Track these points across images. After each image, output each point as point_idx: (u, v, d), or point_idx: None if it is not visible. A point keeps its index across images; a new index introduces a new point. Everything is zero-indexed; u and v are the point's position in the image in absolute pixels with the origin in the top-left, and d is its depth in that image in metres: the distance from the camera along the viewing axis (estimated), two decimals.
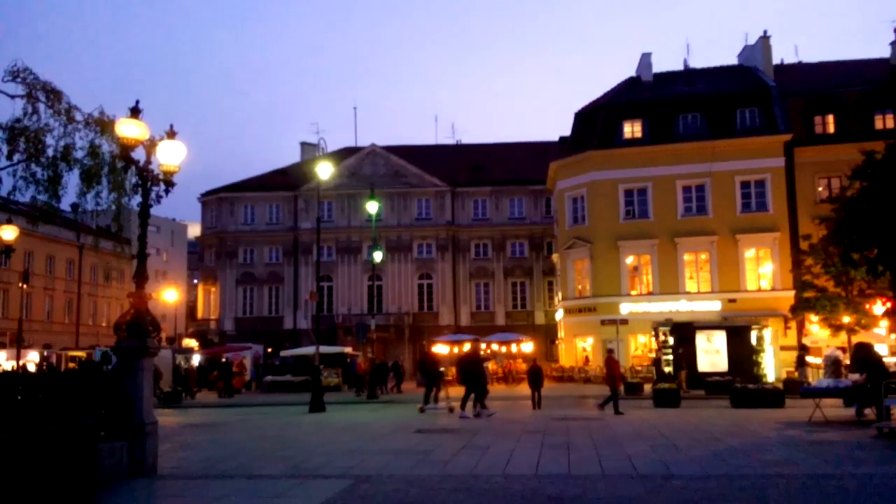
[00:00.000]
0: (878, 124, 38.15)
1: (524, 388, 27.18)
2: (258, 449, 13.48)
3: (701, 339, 29.59)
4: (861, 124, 38.27)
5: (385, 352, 47.07)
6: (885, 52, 42.91)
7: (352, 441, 14.38)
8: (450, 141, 61.81)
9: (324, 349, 34.46)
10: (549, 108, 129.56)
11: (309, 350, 35.76)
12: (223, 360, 37.99)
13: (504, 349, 43.91)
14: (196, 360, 40.64)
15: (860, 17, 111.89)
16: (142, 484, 9.70)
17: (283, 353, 41.72)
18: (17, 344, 35.72)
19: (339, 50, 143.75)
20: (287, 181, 54.09)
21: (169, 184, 11.26)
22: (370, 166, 53.41)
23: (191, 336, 51.24)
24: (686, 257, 39.87)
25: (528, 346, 43.19)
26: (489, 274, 52.75)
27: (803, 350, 30.30)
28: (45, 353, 38.85)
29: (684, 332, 30.20)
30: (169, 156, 11.16)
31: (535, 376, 23.04)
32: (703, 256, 39.67)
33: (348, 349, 40.96)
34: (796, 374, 28.71)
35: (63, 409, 8.86)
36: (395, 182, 52.93)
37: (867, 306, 28.78)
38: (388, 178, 52.58)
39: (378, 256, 34.58)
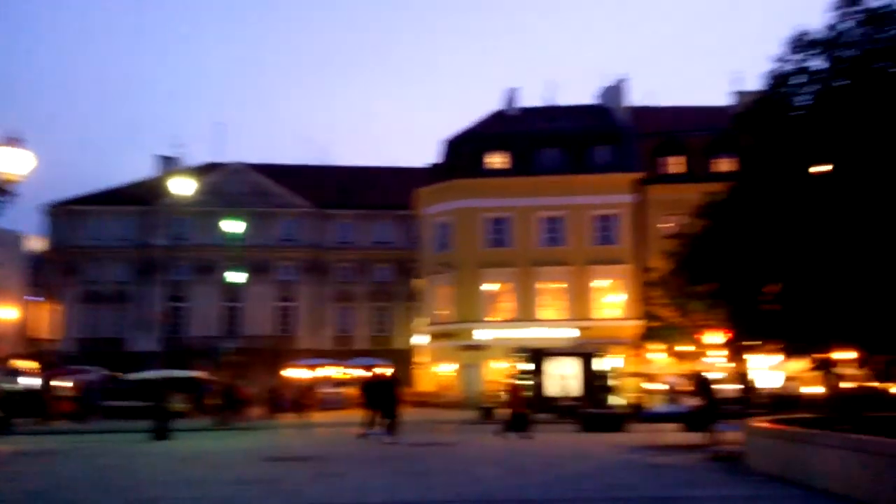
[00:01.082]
0: (720, 167, 41.18)
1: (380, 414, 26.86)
2: (95, 479, 12.49)
3: (554, 365, 30.57)
4: (705, 166, 41.17)
5: (241, 376, 45.31)
6: (729, 100, 46.50)
7: (196, 471, 13.64)
8: (318, 162, 60.94)
9: (173, 373, 32.70)
10: (417, 134, 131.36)
11: (156, 374, 33.84)
12: (59, 383, 35.08)
13: (364, 374, 43.40)
14: (29, 382, 37.35)
15: (708, 66, 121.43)
16: None
17: (128, 376, 39.21)
18: None
19: (204, 65, 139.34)
20: (141, 195, 51.40)
21: (10, 193, 10.38)
22: (234, 184, 51.78)
23: (23, 357, 47.26)
24: (543, 286, 41.21)
25: (387, 372, 42.91)
26: (352, 298, 52.24)
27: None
28: None
29: (538, 359, 31.10)
30: (12, 164, 10.29)
31: (391, 401, 22.78)
32: (559, 286, 41.13)
33: (201, 373, 39.09)
34: (643, 399, 30.20)
35: None
36: (260, 201, 51.56)
37: (703, 336, 30.82)
38: (252, 196, 51.14)
39: (238, 277, 33.40)
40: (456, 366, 40.66)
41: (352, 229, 53.36)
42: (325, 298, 51.97)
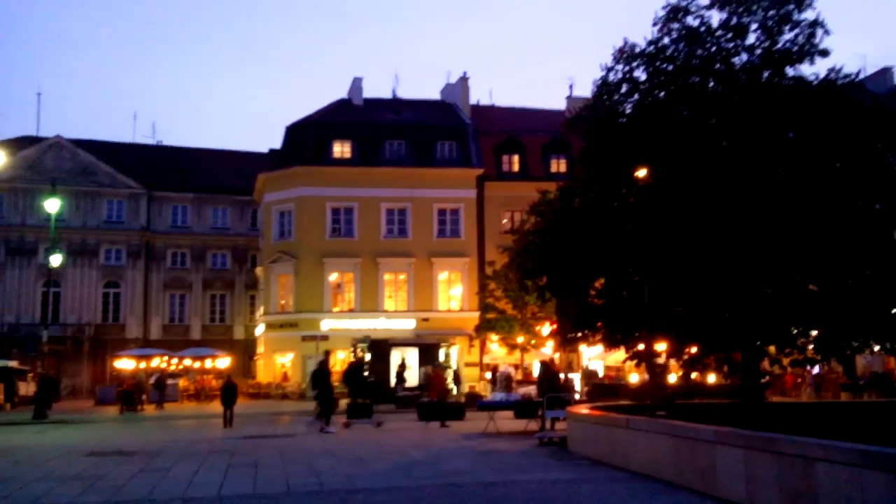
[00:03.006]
0: (554, 167, 43.19)
1: (217, 406, 26.08)
2: None
3: (395, 355, 30.90)
4: (540, 166, 43.06)
5: (60, 366, 42.26)
6: (563, 105, 48.84)
7: (8, 467, 12.63)
8: (150, 141, 57.64)
9: None
10: (260, 119, 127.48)
11: None
12: None
13: (198, 365, 41.78)
14: None
15: (548, 69, 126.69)
16: None
17: None
18: None
19: (21, 33, 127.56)
20: None
21: None
22: (54, 160, 47.90)
23: None
24: (386, 277, 41.50)
25: (224, 362, 41.61)
26: (186, 285, 49.96)
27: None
28: None
29: (380, 349, 31.31)
30: None
31: (228, 393, 22.22)
32: (402, 277, 41.58)
33: (13, 363, 36.03)
34: (481, 388, 31.22)
35: None
36: (84, 180, 48.04)
37: (537, 328, 32.43)
38: (74, 174, 47.51)
39: (56, 260, 30.98)
40: (295, 356, 40.01)
41: (186, 213, 50.89)
42: (155, 285, 49.33)
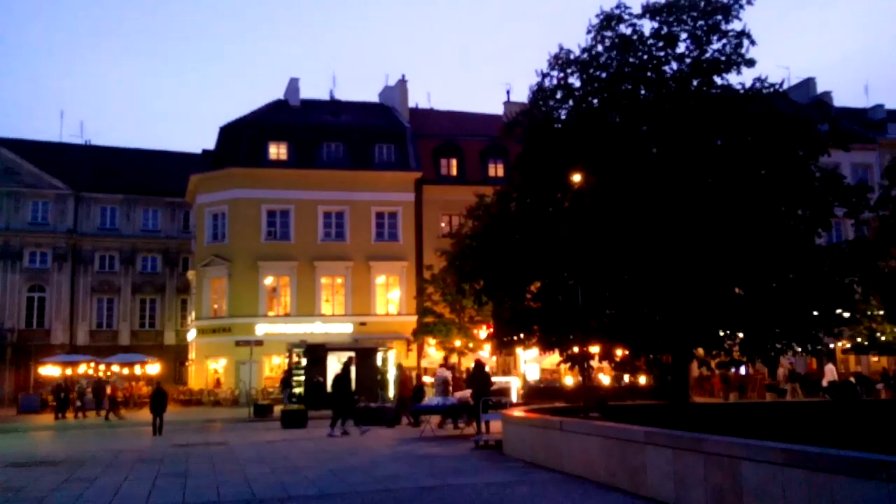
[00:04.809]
0: (492, 172, 43.47)
1: (146, 414, 25.37)
2: None
3: (332, 360, 30.56)
4: (478, 170, 43.28)
5: None
6: (501, 110, 49.29)
7: None
8: (78, 141, 55.76)
9: None
10: (193, 119, 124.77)
11: None
12: None
13: (127, 371, 40.54)
14: None
15: (486, 74, 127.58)
16: None
17: None
18: None
19: None
20: None
21: None
22: None
23: None
24: (323, 280, 41.03)
25: (154, 368, 40.48)
26: (115, 289, 48.42)
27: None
28: None
29: (317, 354, 30.95)
30: None
31: (157, 400, 21.64)
32: (339, 281, 41.19)
33: None
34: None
35: None
36: (6, 180, 46.13)
37: (475, 331, 32.57)
38: None
39: None
40: (230, 362, 39.20)
41: (115, 215, 49.32)
42: (82, 289, 47.66)
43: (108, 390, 31.80)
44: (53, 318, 46.57)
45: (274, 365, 39.11)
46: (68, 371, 37.78)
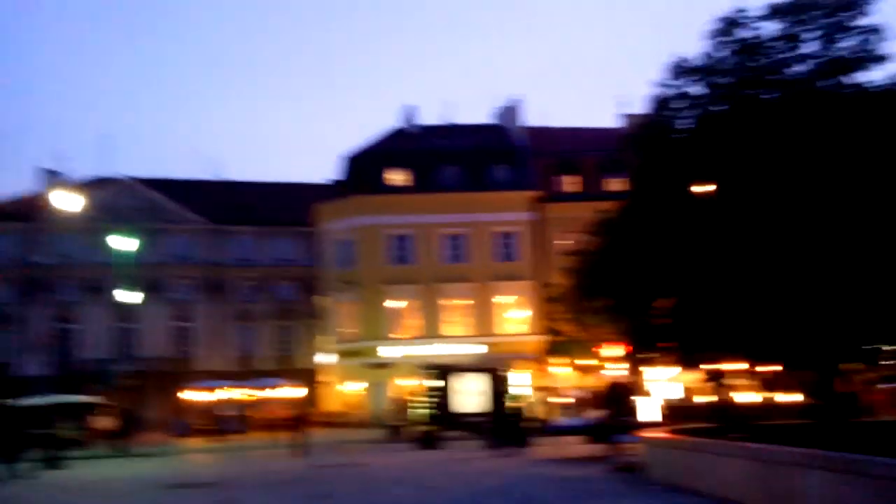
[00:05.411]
0: (613, 186, 42.75)
1: (282, 435, 26.44)
2: None
3: (459, 381, 30.82)
4: (598, 185, 42.65)
5: (134, 400, 43.44)
6: (618, 122, 48.49)
7: (91, 501, 13.05)
8: (213, 177, 59.22)
9: (63, 398, 31.01)
10: (315, 149, 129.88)
11: (45, 399, 32.04)
12: None
13: (266, 395, 42.41)
14: None
15: (600, 88, 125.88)
16: None
17: (14, 402, 36.84)
18: None
19: (89, 76, 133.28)
20: (23, 211, 48.55)
21: None
22: (124, 199, 49.59)
23: None
24: (447, 302, 41.53)
25: (292, 392, 42.12)
26: (253, 317, 50.90)
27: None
28: None
29: (444, 375, 31.29)
30: None
31: (299, 422, 22.55)
32: (463, 302, 41.57)
33: (93, 398, 37.22)
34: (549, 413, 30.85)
35: None
36: (153, 217, 49.58)
37: (601, 350, 31.96)
38: (144, 212, 49.08)
39: (131, 297, 32.07)
40: (362, 384, 40.36)
41: (251, 246, 52.04)
42: (224, 318, 50.41)
43: (250, 414, 33.37)
44: (198, 345, 49.47)
45: (403, 387, 39.83)
46: (212, 396, 39.95)
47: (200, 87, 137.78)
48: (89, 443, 31.06)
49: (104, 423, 32.88)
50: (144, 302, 46.23)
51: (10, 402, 30.54)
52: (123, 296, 34.13)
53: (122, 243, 30.41)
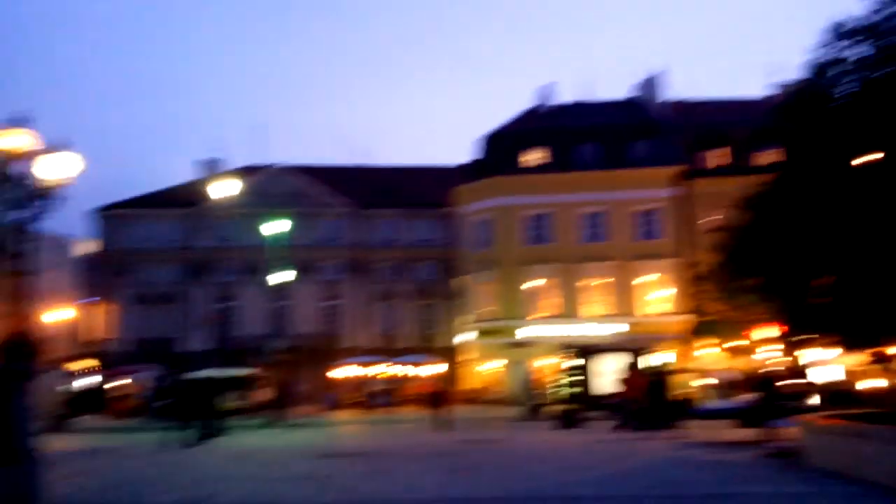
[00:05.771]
0: (764, 159, 40.44)
1: (425, 411, 27.15)
2: (152, 476, 12.89)
3: (600, 361, 30.40)
4: (747, 158, 40.49)
5: (288, 374, 46.02)
6: (769, 91, 45.66)
7: (250, 467, 13.96)
8: (357, 162, 61.33)
9: (225, 372, 33.33)
10: (453, 131, 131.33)
11: (208, 373, 34.57)
12: (115, 382, 36.20)
13: (410, 371, 43.75)
14: (86, 382, 38.66)
15: (746, 57, 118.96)
16: None
17: (180, 375, 40.14)
18: None
19: (241, 65, 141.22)
20: (186, 198, 52.35)
21: (56, 198, 10.68)
22: (276, 185, 52.41)
23: (79, 358, 48.61)
24: (587, 282, 40.97)
25: (434, 369, 43.20)
26: (396, 296, 52.50)
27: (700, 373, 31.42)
28: None
29: (585, 355, 30.93)
30: (58, 168, 10.59)
31: (440, 398, 23.07)
32: (602, 281, 40.86)
33: (251, 371, 39.85)
34: (693, 395, 29.81)
35: None
36: (301, 202, 52.11)
37: (753, 331, 30.36)
38: (293, 197, 51.70)
39: (283, 277, 33.92)
40: (501, 362, 40.68)
41: (393, 228, 53.67)
42: (368, 297, 52.37)
43: (395, 389, 34.59)
44: (345, 324, 51.69)
45: (542, 366, 39.77)
46: (359, 371, 41.67)
47: (345, 76, 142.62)
48: (248, 413, 33.27)
49: (261, 395, 35.06)
50: (296, 282, 48.79)
51: (189, 375, 33.32)
52: (277, 276, 36.10)
53: (275, 227, 32.16)
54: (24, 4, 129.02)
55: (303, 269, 51.20)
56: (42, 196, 10.50)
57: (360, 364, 42.74)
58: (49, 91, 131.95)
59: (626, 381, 22.46)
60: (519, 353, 35.84)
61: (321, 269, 52.08)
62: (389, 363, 42.90)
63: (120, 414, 34.62)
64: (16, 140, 10.14)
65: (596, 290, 40.96)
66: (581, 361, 30.47)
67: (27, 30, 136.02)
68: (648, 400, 21.14)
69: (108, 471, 13.97)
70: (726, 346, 32.31)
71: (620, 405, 21.52)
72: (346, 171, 58.17)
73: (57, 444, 16.96)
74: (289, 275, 36.21)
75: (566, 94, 48.58)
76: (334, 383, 43.87)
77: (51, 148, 10.55)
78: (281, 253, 35.24)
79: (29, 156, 10.35)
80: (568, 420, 22.86)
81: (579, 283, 40.72)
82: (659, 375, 20.50)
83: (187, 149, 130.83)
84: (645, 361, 30.33)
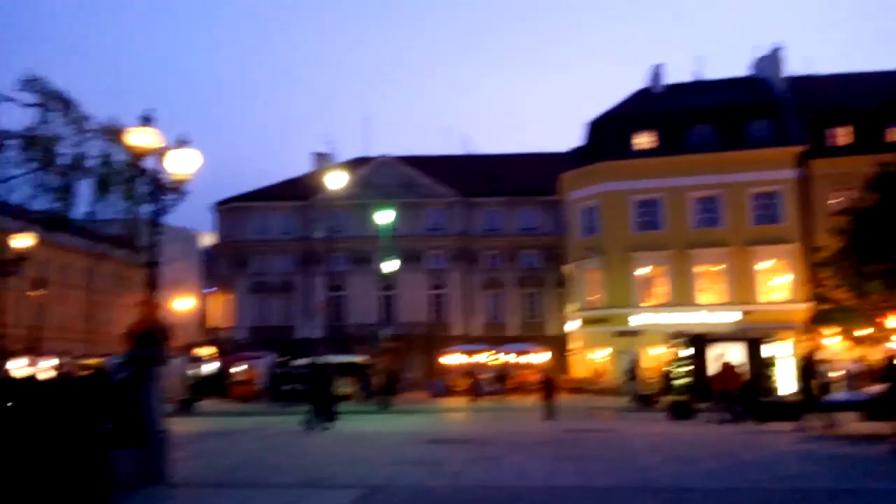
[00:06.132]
0: (892, 136, 37.84)
1: (536, 399, 27.08)
2: (270, 458, 13.48)
3: (714, 351, 29.29)
4: (875, 137, 37.97)
5: (397, 361, 46.99)
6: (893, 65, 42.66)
7: (363, 451, 14.36)
8: (461, 151, 61.75)
9: (337, 358, 34.38)
10: (558, 117, 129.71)
11: (321, 359, 35.74)
12: (235, 368, 38.02)
13: (516, 360, 43.72)
14: (208, 368, 40.82)
15: (871, 29, 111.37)
16: (155, 492, 9.71)
17: (295, 361, 41.72)
18: (29, 352, 35.91)
19: (349, 60, 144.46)
20: (299, 191, 54.27)
21: (180, 192, 11.30)
22: (382, 176, 53.50)
23: (202, 345, 51.34)
24: (700, 269, 39.59)
25: (540, 357, 43.02)
26: (501, 284, 52.64)
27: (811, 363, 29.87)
28: (61, 362, 39.13)
29: (698, 345, 29.89)
30: (181, 164, 11.20)
31: (547, 387, 22.96)
32: (717, 268, 39.41)
33: (362, 358, 40.93)
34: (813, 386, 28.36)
35: (76, 417, 8.88)
36: (407, 192, 52.99)
37: (881, 319, 28.49)
38: (399, 188, 52.64)
39: (392, 266, 34.62)
40: (610, 352, 40.01)
41: (498, 216, 53.74)
42: (474, 285, 52.71)
43: (502, 377, 34.71)
44: (451, 312, 52.22)
45: (653, 355, 38.84)
46: (466, 359, 42.01)
47: (449, 67, 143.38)
48: (359, 399, 34.20)
49: (371, 382, 35.94)
50: (403, 271, 49.67)
51: (303, 361, 34.54)
52: (385, 265, 36.90)
53: (383, 217, 32.82)
54: (151, 9, 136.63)
55: (409, 259, 52.07)
56: (169, 190, 11.15)
57: (465, 352, 43.10)
58: (174, 90, 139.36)
59: (718, 373, 21.69)
60: (628, 341, 35.14)
61: (427, 257, 52.81)
62: (495, 351, 43.02)
63: (239, 398, 36.34)
64: (145, 138, 10.79)
65: (709, 276, 39.57)
66: (693, 351, 29.48)
67: (153, 32, 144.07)
68: (743, 392, 20.36)
69: (230, 452, 14.71)
70: (851, 335, 30.53)
71: (723, 396, 20.76)
72: (451, 160, 58.66)
73: (182, 426, 18.03)
74: (394, 264, 36.90)
75: (677, 75, 47.11)
76: (442, 371, 44.44)
77: (175, 145, 11.17)
78: (389, 242, 35.96)
79: (156, 153, 11.00)
80: (679, 411, 22.26)
81: (691, 270, 39.44)
82: (808, 363, 19.35)
83: (300, 142, 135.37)
84: (766, 350, 29.04)
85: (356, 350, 43.17)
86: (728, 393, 20.49)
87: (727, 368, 21.60)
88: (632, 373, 33.67)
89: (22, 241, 21.17)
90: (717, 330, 34.89)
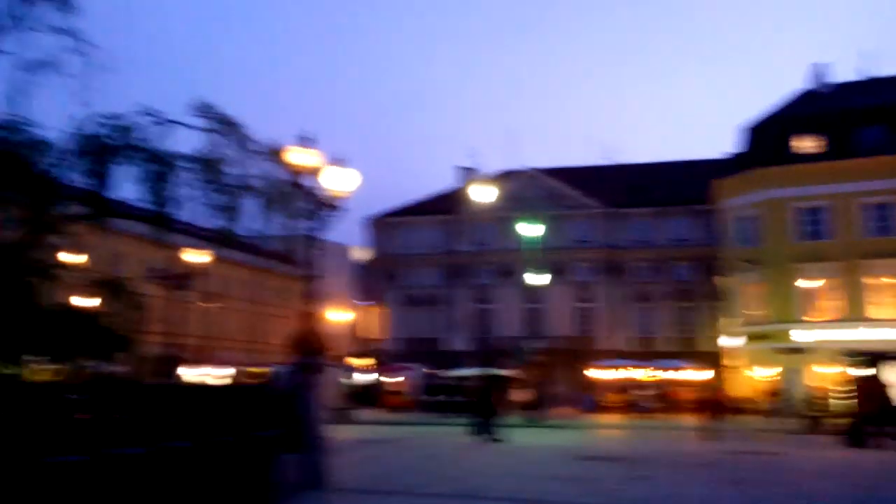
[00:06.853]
0: None
1: (689, 418, 25.94)
2: (425, 467, 13.71)
3: (892, 371, 26.87)
4: None
5: (544, 375, 46.59)
6: None
7: (515, 465, 14.30)
8: (607, 161, 60.56)
9: (487, 371, 34.63)
10: (704, 124, 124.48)
11: (468, 371, 36.09)
12: (388, 378, 39.20)
13: (667, 376, 42.12)
14: (363, 378, 42.42)
15: None
16: (316, 496, 10.11)
17: (443, 373, 42.46)
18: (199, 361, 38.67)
19: (492, 72, 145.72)
20: (446, 205, 55.27)
21: (338, 209, 11.76)
22: (529, 189, 53.40)
23: (357, 355, 53.29)
24: (871, 280, 36.53)
25: (693, 374, 41.18)
26: (651, 297, 50.90)
27: None
28: (235, 371, 41.99)
29: (874, 363, 27.52)
30: (340, 182, 11.68)
31: (715, 406, 21.98)
32: (892, 280, 36.19)
33: (511, 372, 40.96)
34: None
35: (243, 423, 9.43)
36: (553, 204, 52.53)
37: None
38: (545, 200, 52.28)
39: (538, 279, 34.45)
40: (773, 370, 37.66)
41: (646, 228, 52.08)
42: (623, 299, 51.32)
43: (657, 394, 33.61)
44: (598, 325, 51.13)
45: (822, 374, 36.17)
46: (616, 374, 40.99)
47: (593, 74, 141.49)
48: (508, 413, 34.22)
49: (520, 395, 35.87)
50: (549, 284, 49.24)
51: (453, 373, 35.02)
52: (531, 278, 36.76)
53: (529, 230, 32.75)
54: (303, 35, 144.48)
55: (556, 271, 51.56)
56: (327, 207, 11.67)
57: (615, 367, 42.03)
58: (331, 109, 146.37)
59: (860, 392, 19.78)
60: (794, 359, 32.91)
61: (575, 270, 52.08)
62: (646, 367, 41.66)
63: (392, 408, 37.38)
64: (304, 157, 11.36)
65: (885, 289, 36.39)
66: (870, 370, 27.16)
67: (306, 53, 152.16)
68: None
69: (386, 460, 15.10)
70: None
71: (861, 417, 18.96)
72: (598, 170, 57.65)
73: (340, 433, 18.73)
74: (543, 277, 36.65)
75: (844, 74, 44.00)
76: (591, 386, 43.61)
77: (333, 163, 11.69)
78: (535, 255, 35.80)
79: (315, 171, 11.56)
80: (855, 436, 20.55)
81: (864, 282, 36.46)
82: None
83: (446, 160, 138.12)
84: None
85: (503, 364, 43.26)
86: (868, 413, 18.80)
87: (871, 384, 19.79)
88: (806, 393, 31.55)
89: (194, 256, 22.83)
90: (891, 347, 32.06)
